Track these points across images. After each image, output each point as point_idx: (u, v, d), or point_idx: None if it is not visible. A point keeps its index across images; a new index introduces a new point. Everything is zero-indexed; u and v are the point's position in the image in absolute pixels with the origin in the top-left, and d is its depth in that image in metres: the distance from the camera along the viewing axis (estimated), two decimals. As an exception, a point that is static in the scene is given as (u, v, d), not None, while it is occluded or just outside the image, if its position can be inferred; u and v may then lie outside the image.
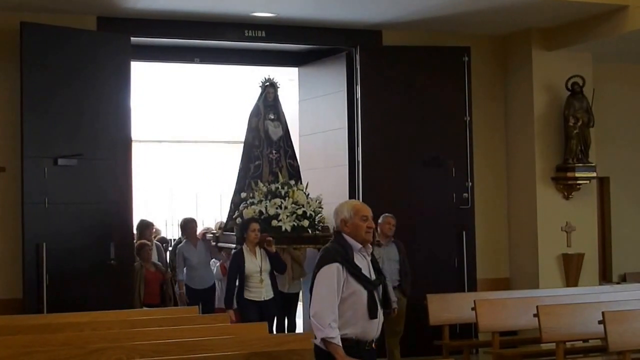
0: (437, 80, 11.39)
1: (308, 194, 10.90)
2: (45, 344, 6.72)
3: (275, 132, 11.22)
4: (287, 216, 10.47)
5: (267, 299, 9.63)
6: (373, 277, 5.72)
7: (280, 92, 11.58)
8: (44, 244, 9.53)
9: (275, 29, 11.01)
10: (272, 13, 10.53)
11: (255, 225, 9.76)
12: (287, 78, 12.77)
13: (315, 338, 5.58)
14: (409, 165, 11.26)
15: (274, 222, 10.42)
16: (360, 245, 5.68)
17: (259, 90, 11.48)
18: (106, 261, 10.03)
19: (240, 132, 17.27)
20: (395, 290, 10.00)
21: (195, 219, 12.15)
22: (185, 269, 11.32)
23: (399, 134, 11.30)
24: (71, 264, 9.77)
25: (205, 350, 6.54)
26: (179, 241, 11.95)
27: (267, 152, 11.18)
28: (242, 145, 11.50)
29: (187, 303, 10.94)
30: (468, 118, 11.45)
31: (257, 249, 9.68)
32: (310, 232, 10.58)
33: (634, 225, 12.90)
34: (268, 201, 10.54)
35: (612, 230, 12.85)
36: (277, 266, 9.83)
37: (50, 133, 9.79)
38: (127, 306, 9.61)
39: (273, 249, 9.75)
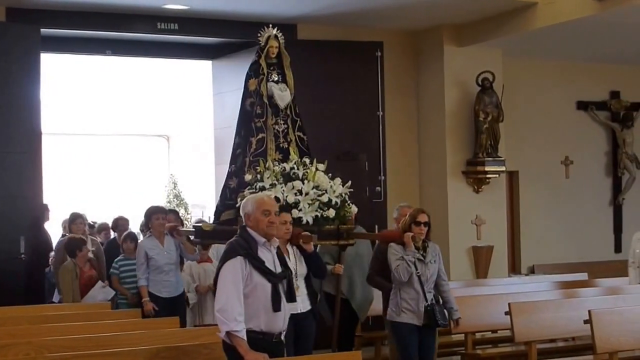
0: (350, 75, 11.48)
1: (330, 176, 8.61)
2: (-48, 340, 6.56)
3: (282, 98, 8.71)
4: (309, 204, 8.06)
5: (304, 310, 7.33)
6: (278, 270, 5.78)
7: (194, 86, 11.13)
8: (-48, 238, 9.35)
9: (188, 21, 10.95)
10: (184, 5, 10.47)
11: (287, 216, 7.31)
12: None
13: (221, 332, 5.59)
14: (322, 159, 11.27)
15: (295, 212, 7.88)
16: (264, 239, 5.72)
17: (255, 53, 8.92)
18: (16, 256, 9.87)
19: (157, 125, 17.30)
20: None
21: (163, 208, 10.00)
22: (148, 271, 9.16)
23: (312, 127, 11.17)
24: (-20, 259, 9.59)
25: (115, 346, 6.45)
26: (112, 242, 10.70)
27: (272, 123, 8.69)
28: (238, 112, 8.92)
29: (154, 315, 8.87)
30: (381, 113, 11.60)
31: (289, 247, 7.44)
32: (333, 224, 8.20)
33: (542, 218, 13.16)
34: (283, 185, 8.15)
35: (521, 223, 13.08)
36: (315, 269, 7.54)
37: (-43, 126, 9.58)
38: (38, 302, 9.43)
39: (311, 247, 7.49)
